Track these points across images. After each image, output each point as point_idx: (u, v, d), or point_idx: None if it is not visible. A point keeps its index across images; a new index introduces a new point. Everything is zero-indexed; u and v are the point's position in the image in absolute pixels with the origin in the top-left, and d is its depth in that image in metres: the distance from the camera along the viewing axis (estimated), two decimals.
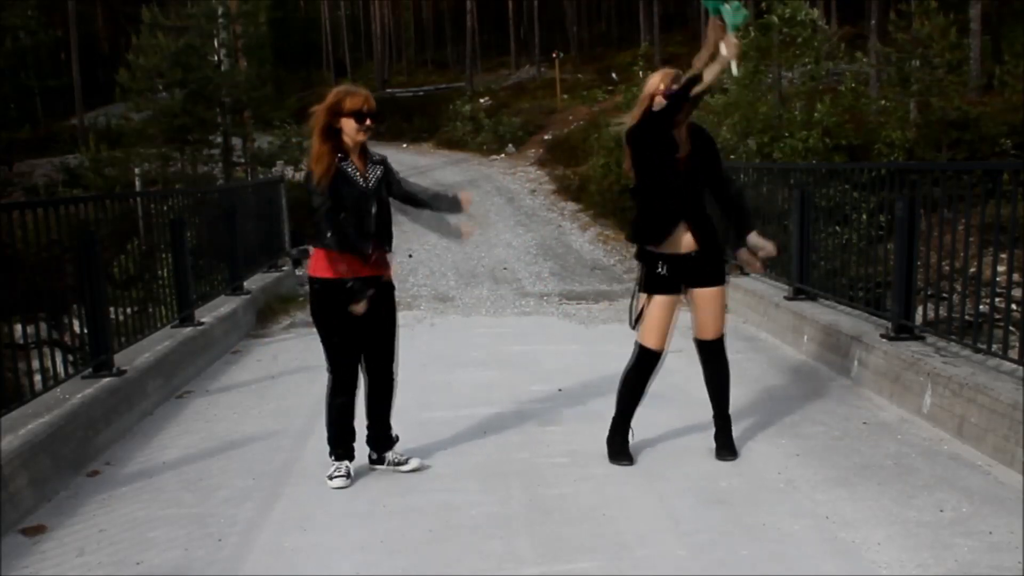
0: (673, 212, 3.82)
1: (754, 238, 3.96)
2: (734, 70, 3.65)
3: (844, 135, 13.47)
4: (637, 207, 3.95)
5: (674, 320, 3.94)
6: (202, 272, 7.09)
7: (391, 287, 3.89)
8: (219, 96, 15.14)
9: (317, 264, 3.70)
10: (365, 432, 3.98)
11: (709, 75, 3.59)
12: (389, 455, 3.98)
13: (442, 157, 24.20)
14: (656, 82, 3.80)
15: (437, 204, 3.97)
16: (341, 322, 3.71)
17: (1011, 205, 4.16)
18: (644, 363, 3.95)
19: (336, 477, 3.81)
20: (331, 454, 3.89)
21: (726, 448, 4.03)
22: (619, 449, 4.02)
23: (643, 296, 3.91)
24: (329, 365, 3.83)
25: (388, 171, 3.80)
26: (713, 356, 4.03)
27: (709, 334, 3.99)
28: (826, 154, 12.85)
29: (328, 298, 3.69)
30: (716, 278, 3.94)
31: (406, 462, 3.95)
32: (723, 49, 3.56)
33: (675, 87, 3.69)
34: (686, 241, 3.83)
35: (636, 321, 3.94)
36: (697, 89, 3.62)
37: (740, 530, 3.26)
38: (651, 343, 3.91)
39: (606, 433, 4.07)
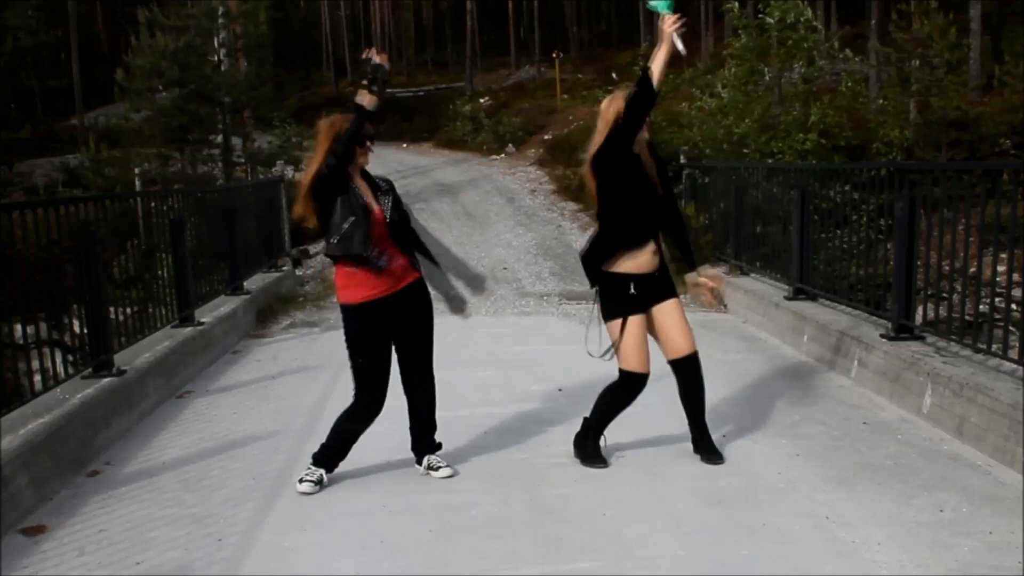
0: (648, 227, 3.80)
1: (704, 271, 3.99)
2: (679, 46, 3.60)
3: (842, 135, 13.47)
4: (603, 230, 3.88)
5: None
6: (202, 272, 7.09)
7: (419, 292, 3.82)
8: (219, 96, 15.12)
9: (344, 291, 3.70)
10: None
11: (657, 62, 3.55)
12: (427, 459, 3.96)
13: (442, 157, 24.18)
14: (617, 106, 3.71)
15: (453, 268, 3.96)
16: (370, 345, 3.70)
17: (1011, 205, 4.17)
18: (632, 388, 3.88)
19: (306, 481, 3.76)
20: (314, 460, 3.83)
21: (712, 452, 4.00)
22: (592, 452, 4.01)
23: (615, 323, 3.82)
24: (357, 392, 3.76)
25: (398, 200, 3.77)
26: (690, 373, 3.93)
27: (684, 350, 3.88)
28: (825, 154, 12.85)
29: (357, 321, 3.68)
30: (671, 291, 3.90)
31: (439, 468, 3.92)
32: (664, 27, 3.55)
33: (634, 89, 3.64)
34: (651, 261, 3.81)
35: (610, 351, 3.86)
36: (656, 74, 3.54)
37: (740, 530, 3.26)
38: (637, 367, 3.82)
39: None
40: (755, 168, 8.77)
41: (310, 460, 3.86)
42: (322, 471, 3.82)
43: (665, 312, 3.86)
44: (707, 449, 4.01)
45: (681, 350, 3.89)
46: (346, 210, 3.57)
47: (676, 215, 4.02)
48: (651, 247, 3.81)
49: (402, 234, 3.75)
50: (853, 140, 13.90)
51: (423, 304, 3.84)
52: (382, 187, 3.77)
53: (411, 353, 3.86)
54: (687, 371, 3.93)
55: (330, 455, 3.84)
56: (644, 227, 3.80)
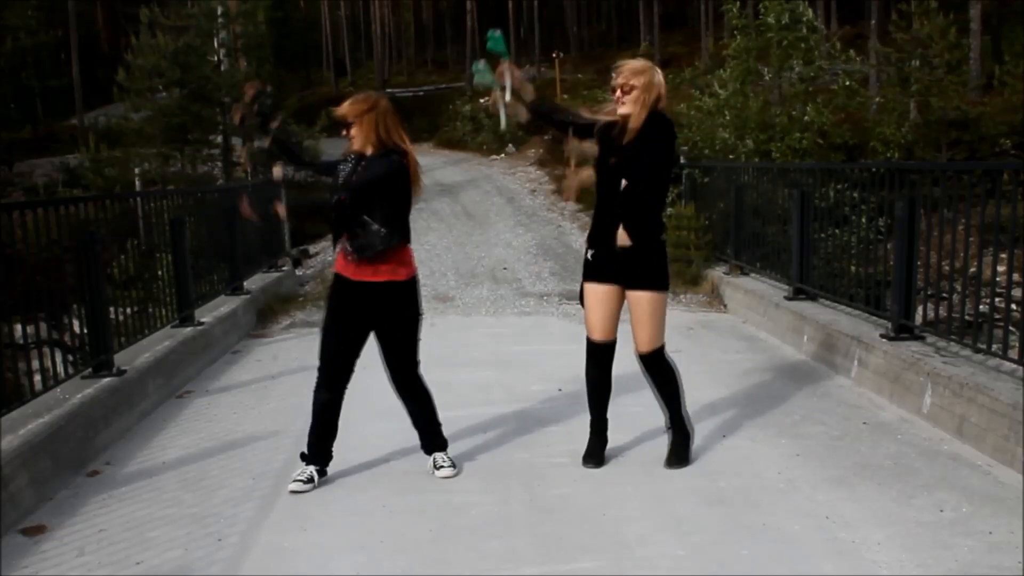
0: (603, 210, 3.79)
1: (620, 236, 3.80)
2: (506, 98, 3.76)
3: (839, 134, 13.48)
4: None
5: (612, 311, 3.85)
6: (202, 272, 7.09)
7: (393, 290, 3.72)
8: (219, 96, 15.12)
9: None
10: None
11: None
12: (433, 456, 3.96)
13: (442, 157, 24.18)
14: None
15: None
16: (336, 314, 3.75)
17: (1011, 205, 4.17)
18: (589, 354, 3.92)
19: (295, 480, 3.76)
20: (305, 454, 3.84)
21: (674, 456, 3.93)
22: (591, 449, 3.99)
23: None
24: (319, 359, 3.82)
25: (359, 183, 3.62)
26: (649, 370, 3.89)
27: (638, 347, 3.84)
28: (822, 154, 12.84)
29: (333, 289, 3.80)
30: (645, 282, 3.76)
31: (441, 467, 3.91)
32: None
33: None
34: (619, 235, 3.72)
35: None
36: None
37: (740, 530, 3.26)
38: (589, 332, 3.89)
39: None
40: (755, 168, 8.77)
41: (301, 459, 3.85)
42: (312, 468, 3.81)
43: (632, 302, 3.83)
44: (671, 451, 3.95)
45: (636, 345, 3.86)
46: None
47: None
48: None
49: (353, 216, 3.62)
50: (850, 140, 13.90)
51: (390, 307, 3.74)
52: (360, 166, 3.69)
53: (386, 355, 3.84)
54: (644, 368, 3.90)
55: (311, 436, 3.82)
56: (599, 208, 3.83)
